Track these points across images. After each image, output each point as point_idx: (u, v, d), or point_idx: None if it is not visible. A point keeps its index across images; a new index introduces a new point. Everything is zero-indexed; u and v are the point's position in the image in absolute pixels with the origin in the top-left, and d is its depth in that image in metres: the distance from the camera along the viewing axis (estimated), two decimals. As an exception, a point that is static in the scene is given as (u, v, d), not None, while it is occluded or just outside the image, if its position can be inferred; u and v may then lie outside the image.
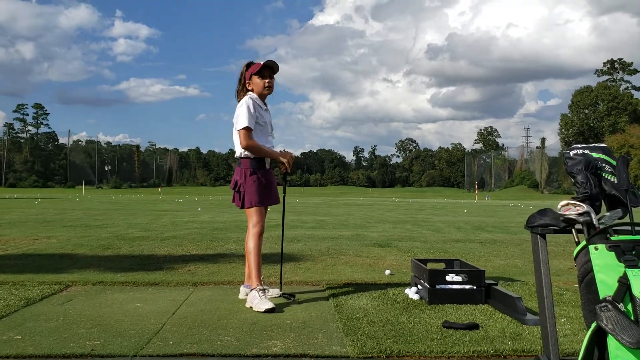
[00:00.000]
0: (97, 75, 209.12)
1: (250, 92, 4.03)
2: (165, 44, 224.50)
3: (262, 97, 4.06)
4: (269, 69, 4.02)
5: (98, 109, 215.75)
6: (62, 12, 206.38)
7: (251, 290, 3.82)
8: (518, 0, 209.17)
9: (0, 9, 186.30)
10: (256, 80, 4.02)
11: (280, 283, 4.26)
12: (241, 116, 3.87)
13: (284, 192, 4.28)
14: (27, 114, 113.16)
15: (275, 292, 4.12)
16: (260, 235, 3.95)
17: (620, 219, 2.04)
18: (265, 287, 3.92)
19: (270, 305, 3.63)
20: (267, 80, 4.02)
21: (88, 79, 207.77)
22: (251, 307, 3.71)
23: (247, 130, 3.85)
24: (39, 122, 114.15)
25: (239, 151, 3.96)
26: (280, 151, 4.08)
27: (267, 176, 4.00)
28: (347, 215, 15.88)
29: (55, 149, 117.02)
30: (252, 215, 3.93)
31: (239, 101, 4.05)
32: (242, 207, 3.95)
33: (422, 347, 2.87)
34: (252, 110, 3.88)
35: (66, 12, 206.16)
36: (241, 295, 4.10)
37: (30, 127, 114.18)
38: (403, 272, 5.29)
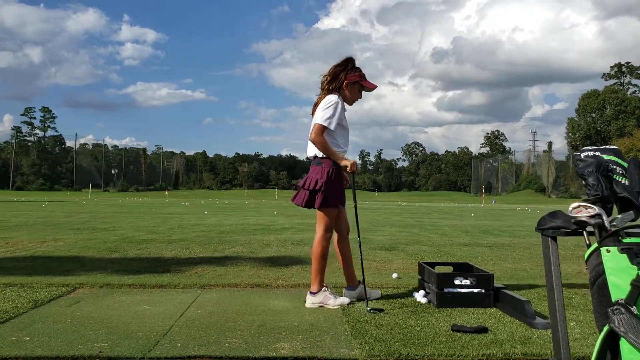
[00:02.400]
0: (104, 79, 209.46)
1: (336, 94, 3.95)
2: (172, 48, 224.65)
3: (344, 101, 4.02)
4: (367, 90, 4.09)
5: (105, 112, 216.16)
6: (70, 17, 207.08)
7: (318, 292, 3.92)
8: (524, 4, 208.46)
9: (9, 14, 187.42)
10: (356, 89, 4.02)
11: (366, 298, 3.97)
12: (328, 114, 3.82)
13: (355, 197, 4.14)
14: (35, 118, 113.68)
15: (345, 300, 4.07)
16: (330, 240, 4.01)
17: (632, 221, 2.02)
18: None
19: (347, 300, 3.96)
20: (360, 97, 4.08)
21: (95, 83, 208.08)
22: (320, 306, 3.88)
23: (324, 128, 3.82)
24: (46, 125, 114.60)
25: (317, 151, 3.91)
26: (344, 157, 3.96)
27: (342, 179, 4.00)
28: (353, 219, 15.85)
29: (62, 153, 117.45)
30: (327, 216, 3.93)
31: (324, 92, 3.98)
32: (316, 206, 3.89)
33: (431, 350, 2.85)
34: (339, 114, 3.85)
35: (74, 17, 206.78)
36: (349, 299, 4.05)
37: (37, 131, 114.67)
38: (410, 275, 5.27)
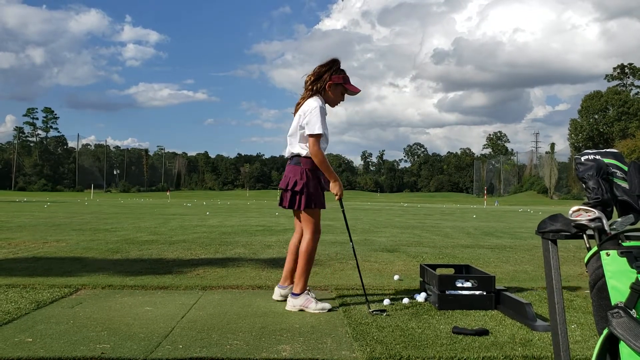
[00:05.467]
0: (106, 79, 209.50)
1: (319, 95, 3.90)
2: (174, 49, 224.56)
3: (327, 102, 3.97)
4: (350, 94, 4.04)
5: (107, 113, 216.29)
6: (73, 17, 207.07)
7: (300, 294, 3.79)
8: (525, 5, 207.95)
9: (11, 15, 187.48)
10: (339, 91, 3.96)
11: (367, 300, 3.98)
12: (318, 122, 3.75)
13: (344, 213, 4.20)
14: (37, 118, 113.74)
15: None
16: (318, 240, 3.92)
17: (632, 224, 2.02)
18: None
19: (329, 305, 3.79)
20: (343, 99, 4.03)
21: (97, 83, 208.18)
22: (301, 310, 3.77)
23: (320, 137, 3.78)
24: (48, 126, 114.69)
25: (299, 150, 3.85)
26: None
27: (322, 179, 3.93)
28: (355, 220, 15.86)
29: (65, 153, 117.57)
30: (312, 217, 3.85)
31: (307, 92, 3.92)
32: (300, 208, 3.82)
33: (432, 352, 2.86)
34: (324, 119, 3.81)
35: (76, 17, 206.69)
36: (275, 297, 4.07)
37: (39, 131, 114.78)
38: (412, 277, 5.27)
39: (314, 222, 3.87)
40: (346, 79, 3.96)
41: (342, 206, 4.13)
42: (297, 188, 3.79)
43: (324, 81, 3.89)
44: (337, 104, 4.04)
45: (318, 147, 3.77)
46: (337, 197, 3.98)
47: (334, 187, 3.91)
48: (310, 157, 3.81)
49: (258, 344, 2.99)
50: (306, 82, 3.96)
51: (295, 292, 3.82)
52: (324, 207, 3.91)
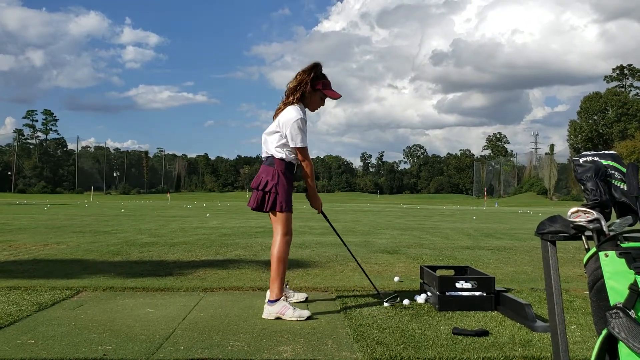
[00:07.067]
0: (106, 82, 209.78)
1: (299, 102, 3.85)
2: (174, 51, 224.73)
3: (305, 107, 3.93)
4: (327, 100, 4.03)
5: (107, 115, 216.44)
6: (72, 20, 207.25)
7: (277, 301, 3.67)
8: (523, 7, 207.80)
9: (11, 17, 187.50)
10: (318, 97, 3.93)
11: (378, 291, 4.26)
12: (300, 134, 3.73)
13: (329, 222, 4.42)
14: (37, 120, 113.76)
15: (301, 296, 4.14)
16: (289, 243, 3.85)
17: (630, 225, 2.04)
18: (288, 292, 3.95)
19: (307, 312, 3.64)
20: (323, 104, 4.01)
21: (97, 85, 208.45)
22: (277, 318, 3.63)
23: (306, 148, 3.80)
24: (48, 128, 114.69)
25: (273, 152, 3.80)
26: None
27: (292, 182, 3.89)
28: (354, 222, 15.87)
29: (64, 155, 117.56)
30: (283, 220, 3.79)
31: (289, 99, 3.85)
32: (270, 210, 3.77)
33: (432, 353, 2.87)
34: (305, 126, 3.80)
35: (76, 20, 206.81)
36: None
37: (39, 133, 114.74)
38: (412, 278, 5.29)
39: (284, 225, 3.80)
40: (326, 85, 3.92)
41: (325, 216, 4.19)
42: (267, 188, 3.76)
43: (303, 87, 3.84)
44: (317, 109, 4.02)
45: (309, 159, 3.83)
46: (318, 212, 4.09)
47: (314, 203, 4.01)
48: (284, 160, 3.80)
49: (259, 345, 3.01)
50: (289, 89, 3.89)
51: (271, 299, 3.70)
52: (291, 211, 3.85)
